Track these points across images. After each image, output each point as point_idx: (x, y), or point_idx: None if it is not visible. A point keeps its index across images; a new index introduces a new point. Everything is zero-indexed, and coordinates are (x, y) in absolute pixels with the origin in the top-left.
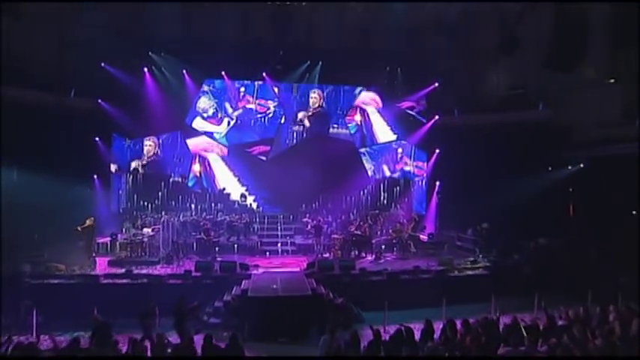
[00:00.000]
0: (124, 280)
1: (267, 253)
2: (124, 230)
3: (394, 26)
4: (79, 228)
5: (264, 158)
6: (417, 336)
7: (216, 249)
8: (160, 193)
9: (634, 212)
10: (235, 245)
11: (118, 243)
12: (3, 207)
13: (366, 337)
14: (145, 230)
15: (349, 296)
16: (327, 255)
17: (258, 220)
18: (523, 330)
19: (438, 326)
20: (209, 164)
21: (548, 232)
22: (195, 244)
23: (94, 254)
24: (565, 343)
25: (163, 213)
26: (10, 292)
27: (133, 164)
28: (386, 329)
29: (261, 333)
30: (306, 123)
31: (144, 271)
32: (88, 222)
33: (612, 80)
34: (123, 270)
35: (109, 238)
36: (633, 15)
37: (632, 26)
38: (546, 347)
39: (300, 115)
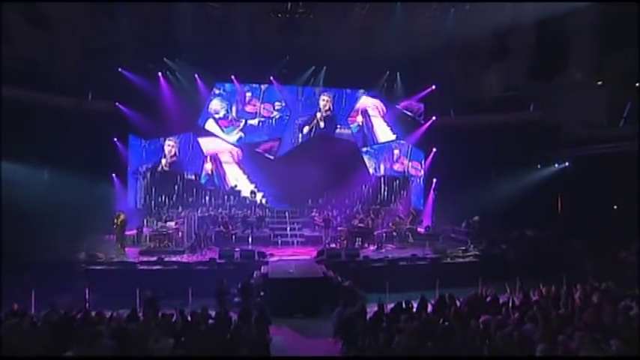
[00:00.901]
0: (158, 267)
1: (280, 243)
2: (145, 224)
3: (394, 33)
4: (117, 221)
5: (271, 157)
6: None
7: (233, 240)
8: (175, 191)
9: (615, 207)
10: (250, 237)
11: (145, 235)
12: (39, 204)
13: (371, 312)
14: (169, 224)
15: (355, 280)
16: (333, 245)
17: (268, 214)
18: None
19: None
20: (220, 163)
21: (537, 224)
22: (214, 236)
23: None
24: (533, 312)
25: (180, 208)
26: (69, 275)
27: (158, 163)
28: (387, 307)
29: (280, 309)
30: (321, 124)
31: (173, 259)
32: (122, 216)
33: (600, 82)
34: (155, 258)
35: (135, 231)
36: (618, 19)
37: (617, 31)
38: (518, 314)
39: (318, 115)
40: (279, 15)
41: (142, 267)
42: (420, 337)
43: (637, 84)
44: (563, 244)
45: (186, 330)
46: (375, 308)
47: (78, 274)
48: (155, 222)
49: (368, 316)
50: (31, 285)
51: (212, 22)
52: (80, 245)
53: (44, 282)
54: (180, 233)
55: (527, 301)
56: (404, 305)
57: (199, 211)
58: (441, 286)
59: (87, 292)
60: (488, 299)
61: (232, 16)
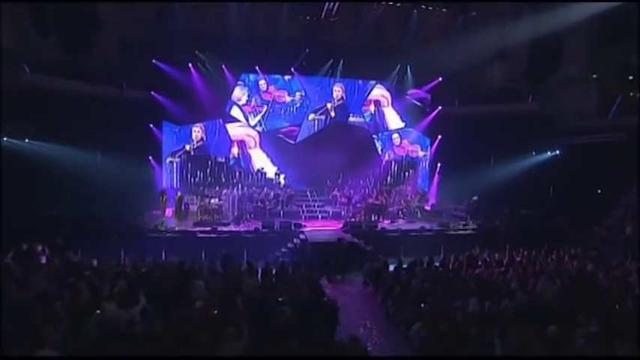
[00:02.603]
0: (213, 235)
1: (307, 217)
2: (188, 201)
3: (406, 29)
4: (175, 199)
5: (292, 142)
6: None
7: (267, 214)
8: (208, 172)
9: (599, 191)
10: (281, 212)
11: (192, 210)
12: (99, 182)
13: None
14: (213, 200)
15: (375, 246)
16: (353, 219)
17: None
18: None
19: None
20: (245, 147)
21: (529, 204)
22: (253, 211)
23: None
24: (514, 266)
25: (218, 188)
26: (144, 240)
27: (187, 147)
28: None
29: (317, 267)
30: (332, 113)
31: (225, 229)
32: (179, 193)
33: (595, 76)
34: (209, 228)
35: (183, 207)
36: (614, 15)
37: (612, 26)
38: (503, 268)
39: (328, 106)
40: (308, 17)
41: (200, 235)
42: (431, 282)
43: (630, 78)
44: (549, 220)
45: (262, 274)
46: (395, 264)
47: (157, 239)
48: (201, 199)
49: (390, 269)
50: (118, 248)
51: (239, 17)
52: (142, 217)
53: (127, 245)
54: (223, 208)
55: (511, 261)
56: (417, 261)
57: (235, 190)
58: (445, 251)
59: (164, 254)
60: (482, 259)
61: (258, 12)
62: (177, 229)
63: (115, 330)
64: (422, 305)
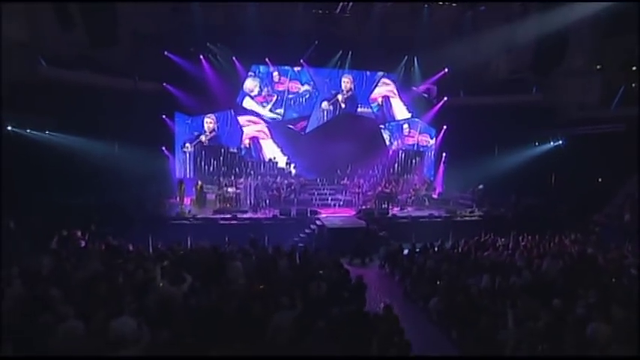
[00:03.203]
0: (234, 222)
1: (319, 205)
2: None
3: (414, 22)
4: (196, 188)
5: (302, 133)
6: None
7: (282, 202)
8: (221, 162)
9: (600, 180)
10: (295, 200)
11: (209, 199)
12: (114, 174)
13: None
14: (230, 189)
15: (387, 231)
16: (365, 207)
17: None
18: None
19: None
20: (257, 138)
21: (532, 193)
22: (269, 199)
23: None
24: (520, 249)
25: (233, 177)
26: (178, 228)
27: (201, 138)
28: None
29: (334, 251)
30: (342, 104)
31: (245, 216)
32: (200, 182)
33: (599, 67)
34: (229, 215)
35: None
36: (615, 8)
37: (614, 19)
38: (510, 251)
39: (339, 97)
40: (320, 11)
41: (222, 222)
42: (444, 262)
43: (634, 68)
44: (551, 208)
45: (288, 255)
46: (408, 248)
47: (181, 226)
48: (218, 188)
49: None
50: (145, 234)
51: (251, 10)
52: (164, 205)
53: (153, 232)
54: (241, 196)
55: (517, 245)
56: (429, 245)
57: (250, 179)
58: (453, 237)
59: (189, 239)
60: (490, 243)
61: (271, 6)
62: (199, 216)
63: (172, 303)
64: (438, 282)
